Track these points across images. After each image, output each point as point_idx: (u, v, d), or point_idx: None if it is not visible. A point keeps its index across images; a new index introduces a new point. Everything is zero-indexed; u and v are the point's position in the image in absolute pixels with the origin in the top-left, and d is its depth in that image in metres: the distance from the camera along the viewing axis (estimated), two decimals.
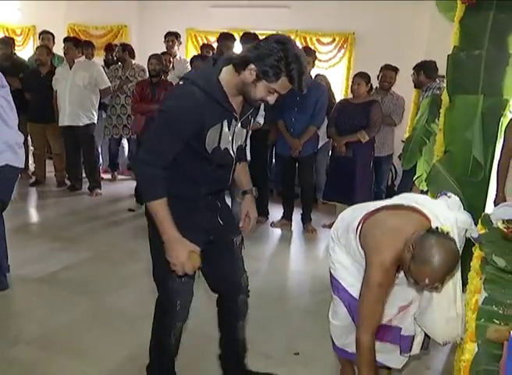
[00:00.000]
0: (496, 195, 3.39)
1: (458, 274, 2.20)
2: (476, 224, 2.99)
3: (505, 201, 3.22)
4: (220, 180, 2.19)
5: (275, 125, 5.00)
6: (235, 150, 2.13)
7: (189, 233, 2.01)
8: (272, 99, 1.93)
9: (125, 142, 6.97)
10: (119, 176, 7.03)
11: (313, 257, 4.62)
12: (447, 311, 2.18)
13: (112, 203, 5.93)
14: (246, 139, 2.20)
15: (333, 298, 2.40)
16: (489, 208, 3.50)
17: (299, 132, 4.84)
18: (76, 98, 5.83)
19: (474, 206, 3.63)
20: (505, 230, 2.53)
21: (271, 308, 2.78)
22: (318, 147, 5.23)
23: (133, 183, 5.86)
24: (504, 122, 3.65)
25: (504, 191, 3.34)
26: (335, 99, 5.93)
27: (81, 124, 5.91)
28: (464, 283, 3.21)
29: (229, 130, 2.02)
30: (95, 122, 6.09)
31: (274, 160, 6.02)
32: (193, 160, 2.04)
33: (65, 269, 3.86)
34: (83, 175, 6.33)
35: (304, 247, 4.93)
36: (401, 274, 2.03)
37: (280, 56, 1.80)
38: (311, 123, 4.84)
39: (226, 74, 1.93)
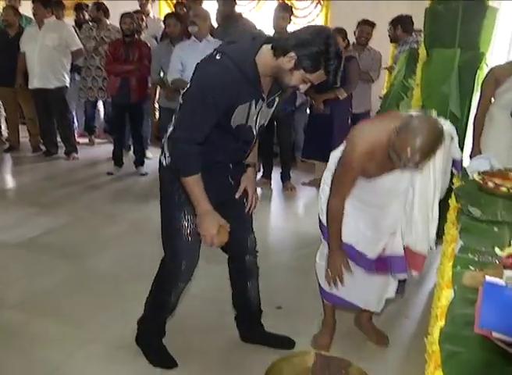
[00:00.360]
0: (472, 149, 3.44)
1: (438, 175, 2.22)
2: (452, 178, 3.04)
3: (480, 153, 3.27)
4: (238, 153, 2.22)
5: None
6: (257, 128, 2.14)
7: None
8: (304, 88, 1.96)
9: (100, 105, 6.84)
10: (96, 140, 6.92)
11: (293, 214, 4.68)
12: (426, 215, 2.26)
13: (89, 167, 5.87)
14: (269, 119, 2.21)
15: (322, 241, 2.49)
16: (465, 161, 3.55)
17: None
18: (46, 60, 5.67)
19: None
20: (480, 181, 2.58)
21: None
22: (296, 105, 5.20)
23: (111, 147, 5.80)
24: (481, 75, 3.67)
25: (479, 144, 3.38)
26: None
27: (52, 87, 5.77)
28: (441, 235, 3.30)
29: (255, 109, 2.03)
30: (67, 85, 5.94)
31: None
32: (217, 134, 2.04)
33: (44, 234, 3.84)
34: (59, 139, 6.22)
35: (284, 204, 4.97)
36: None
37: (322, 50, 1.80)
38: None
39: (264, 55, 1.91)
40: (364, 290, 2.45)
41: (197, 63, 2.00)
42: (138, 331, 2.48)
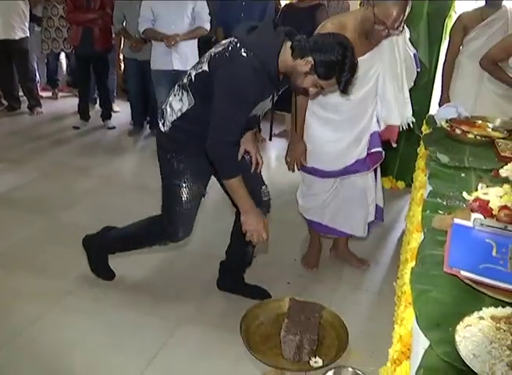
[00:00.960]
0: (441, 96, 3.48)
1: (402, 52, 2.46)
2: (421, 125, 3.09)
3: (449, 102, 3.32)
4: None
5: (220, 32, 4.82)
6: (262, 114, 2.25)
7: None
8: (313, 91, 2.02)
9: (63, 57, 6.60)
10: (60, 94, 6.71)
11: (265, 165, 4.67)
12: (398, 92, 2.49)
13: (55, 121, 5.71)
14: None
15: (301, 181, 2.74)
16: (434, 109, 3.61)
17: None
18: (6, 8, 5.37)
19: (420, 108, 3.74)
20: (448, 128, 2.63)
21: (230, 215, 2.85)
22: None
23: (75, 100, 5.66)
24: (449, 23, 3.67)
25: (448, 91, 3.42)
26: (280, 4, 5.73)
27: (17, 37, 5.49)
28: (409, 183, 3.39)
29: (269, 101, 2.12)
30: (28, 35, 5.68)
31: None
32: None
33: (13, 190, 3.78)
34: (20, 93, 6.00)
35: None
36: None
37: (339, 60, 1.87)
38: None
39: (285, 53, 1.96)
40: (349, 217, 2.73)
41: (220, 57, 1.99)
42: (91, 241, 2.62)
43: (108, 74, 5.40)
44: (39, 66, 6.62)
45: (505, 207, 1.63)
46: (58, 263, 2.84)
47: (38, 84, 6.46)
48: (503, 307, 1.20)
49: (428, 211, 1.76)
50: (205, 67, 2.03)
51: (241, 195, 2.14)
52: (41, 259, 2.87)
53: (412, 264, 1.50)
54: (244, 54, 1.94)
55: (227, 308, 2.51)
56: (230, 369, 2.14)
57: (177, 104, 2.16)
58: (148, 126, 5.37)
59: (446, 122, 2.71)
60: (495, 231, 1.48)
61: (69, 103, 6.26)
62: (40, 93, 6.32)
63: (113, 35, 5.28)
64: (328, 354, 2.20)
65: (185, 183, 2.26)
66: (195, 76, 2.08)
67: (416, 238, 1.69)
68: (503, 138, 2.55)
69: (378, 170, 2.81)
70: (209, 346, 2.26)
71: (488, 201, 1.67)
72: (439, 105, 3.38)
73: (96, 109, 5.82)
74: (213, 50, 2.07)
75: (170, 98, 2.20)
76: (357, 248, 3.04)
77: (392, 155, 3.85)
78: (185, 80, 2.14)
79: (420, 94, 3.70)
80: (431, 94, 3.90)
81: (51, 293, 2.57)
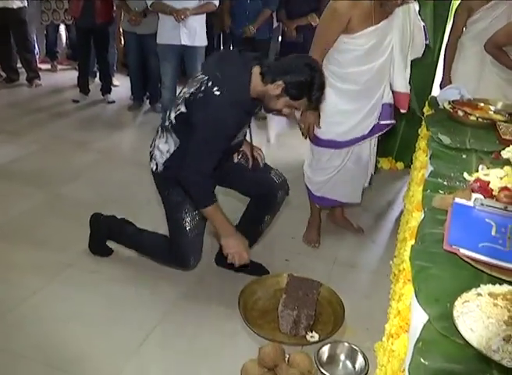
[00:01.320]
0: (443, 77, 3.46)
1: (412, 25, 2.51)
2: (423, 107, 3.09)
3: (450, 83, 3.30)
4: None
5: (226, 7, 4.77)
6: (244, 136, 2.38)
7: None
8: (287, 112, 2.11)
9: (62, 29, 6.52)
10: (59, 66, 6.63)
11: (266, 144, 4.66)
12: (404, 60, 2.56)
13: (54, 94, 5.66)
14: None
15: (310, 153, 2.79)
16: (436, 90, 3.60)
17: (254, 14, 4.63)
18: None
19: (422, 89, 3.74)
20: (450, 110, 2.63)
21: (227, 194, 2.86)
22: None
23: (75, 73, 5.61)
24: (455, 4, 3.64)
25: (450, 72, 3.39)
26: None
27: (15, 6, 5.40)
28: (408, 164, 3.40)
29: (249, 125, 2.29)
30: (26, 5, 5.59)
31: (222, 47, 5.86)
32: None
33: (12, 162, 3.77)
34: (19, 65, 5.94)
35: (256, 135, 4.94)
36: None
37: (307, 80, 1.95)
38: (266, 6, 4.62)
39: (254, 79, 2.02)
40: (352, 188, 2.88)
41: (195, 98, 2.04)
42: (102, 224, 2.65)
43: (108, 48, 5.33)
44: (38, 37, 6.54)
45: (505, 188, 1.65)
46: (58, 236, 2.85)
47: (37, 56, 6.41)
48: (501, 284, 1.23)
49: (429, 190, 1.77)
50: (182, 108, 2.12)
51: (219, 221, 2.21)
52: (41, 232, 2.88)
53: (412, 242, 1.52)
54: (217, 92, 1.98)
55: (225, 284, 2.53)
56: (228, 342, 2.17)
57: (164, 146, 2.25)
58: (148, 101, 5.33)
59: (449, 103, 2.71)
60: (495, 211, 1.50)
61: (68, 76, 6.20)
62: (39, 65, 6.25)
63: (114, 8, 5.21)
64: (324, 329, 2.25)
65: (186, 213, 2.34)
66: (175, 118, 2.17)
67: (415, 217, 1.71)
68: (504, 121, 2.56)
69: (375, 145, 2.88)
70: (207, 321, 2.29)
71: (488, 182, 1.69)
72: (441, 87, 3.37)
73: (96, 83, 5.76)
74: (186, 90, 2.13)
75: (156, 142, 2.29)
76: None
77: (392, 136, 3.86)
78: (166, 123, 2.23)
79: (422, 76, 3.69)
80: (433, 76, 3.89)
81: (50, 266, 2.58)
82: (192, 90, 2.07)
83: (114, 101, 5.39)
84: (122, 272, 2.59)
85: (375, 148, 2.89)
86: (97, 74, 5.77)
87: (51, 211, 3.12)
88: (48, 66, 6.53)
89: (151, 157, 2.33)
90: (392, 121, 2.69)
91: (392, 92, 2.64)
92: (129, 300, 2.39)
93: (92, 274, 2.55)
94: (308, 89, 1.98)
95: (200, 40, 4.33)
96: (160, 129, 2.29)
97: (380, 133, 2.73)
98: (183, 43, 4.26)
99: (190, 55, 4.36)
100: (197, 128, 2.05)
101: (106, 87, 5.46)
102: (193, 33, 4.26)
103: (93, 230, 2.68)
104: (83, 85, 5.42)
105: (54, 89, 5.82)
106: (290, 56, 2.06)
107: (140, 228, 2.62)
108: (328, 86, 2.51)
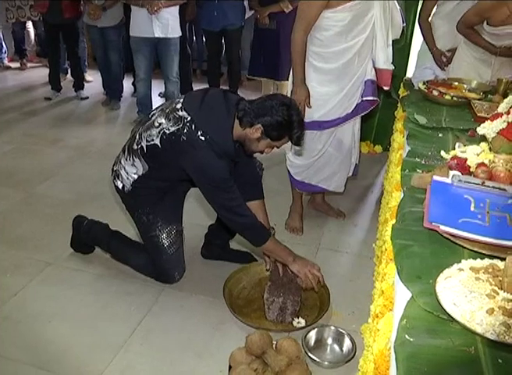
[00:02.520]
0: (432, 52, 3.35)
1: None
2: (398, 89, 3.10)
3: (444, 54, 3.25)
4: None
5: None
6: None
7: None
8: (269, 151, 2.10)
9: (30, 26, 6.37)
10: (29, 64, 6.50)
11: None
12: (386, 37, 2.54)
13: (25, 93, 5.55)
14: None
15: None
16: (410, 73, 3.61)
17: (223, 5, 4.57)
18: None
19: (397, 72, 3.73)
20: (425, 90, 2.65)
21: None
22: None
23: (45, 71, 5.50)
24: None
25: (435, 45, 3.32)
26: None
27: None
28: (386, 147, 3.41)
29: None
30: None
31: (195, 37, 5.78)
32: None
33: None
34: None
35: None
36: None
37: (285, 120, 1.93)
38: None
39: (236, 125, 2.00)
40: (334, 175, 2.88)
41: (177, 139, 1.99)
42: (85, 227, 2.58)
43: (78, 43, 5.24)
44: (5, 36, 6.40)
45: (482, 164, 1.66)
46: (37, 235, 2.80)
47: (5, 55, 6.27)
48: (482, 259, 1.24)
49: (407, 170, 1.78)
50: (157, 141, 2.06)
51: (280, 253, 2.20)
52: (19, 232, 2.82)
53: (392, 222, 1.52)
54: (202, 137, 1.96)
55: (211, 274, 2.52)
56: (215, 332, 2.16)
57: (131, 168, 2.20)
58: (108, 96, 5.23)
59: (424, 84, 2.73)
60: (473, 187, 1.51)
61: (39, 74, 6.08)
62: (8, 64, 6.13)
63: (82, 2, 5.11)
64: (310, 314, 2.25)
65: (160, 231, 2.31)
66: (146, 147, 2.11)
67: (395, 197, 1.71)
68: (478, 99, 2.58)
69: (359, 131, 2.87)
70: (193, 311, 2.28)
71: (465, 159, 1.70)
72: (435, 60, 3.31)
73: (68, 79, 5.67)
74: (164, 124, 2.05)
75: (122, 162, 2.24)
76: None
77: (370, 120, 3.86)
78: (135, 147, 2.16)
79: (396, 59, 3.68)
80: (407, 59, 3.89)
81: (31, 265, 2.54)
82: (173, 129, 2.01)
83: (87, 97, 5.32)
84: (105, 267, 2.55)
85: (359, 133, 2.88)
86: (69, 70, 5.67)
87: (27, 210, 3.07)
88: (18, 65, 6.39)
89: (116, 175, 2.28)
90: (375, 98, 2.67)
91: (375, 70, 2.62)
92: (113, 295, 2.36)
93: (74, 272, 2.51)
94: (288, 128, 1.96)
95: (174, 31, 4.28)
96: (127, 149, 2.22)
97: (363, 113, 2.71)
98: (157, 35, 4.20)
99: (164, 47, 4.31)
100: (198, 182, 2.07)
101: (79, 83, 5.37)
102: (167, 25, 4.20)
103: (75, 231, 2.62)
104: (54, 82, 5.32)
105: (25, 87, 5.71)
106: (265, 97, 2.02)
107: (125, 240, 2.54)
108: (309, 67, 2.54)
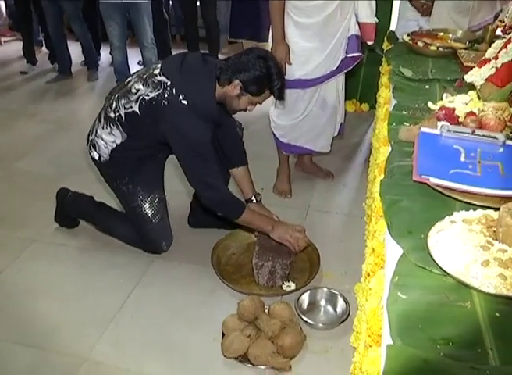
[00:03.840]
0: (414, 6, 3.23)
1: None
2: (382, 43, 3.00)
3: (425, 3, 3.11)
4: None
5: None
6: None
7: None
8: (252, 109, 2.02)
9: None
10: (3, 39, 6.27)
11: None
12: None
13: (0, 67, 5.37)
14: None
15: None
16: (394, 26, 3.50)
17: None
18: None
19: (380, 26, 3.63)
20: (410, 42, 2.56)
21: None
22: None
23: (20, 44, 5.30)
24: None
25: None
26: None
27: None
28: (373, 105, 3.33)
29: None
30: None
31: (171, 2, 5.59)
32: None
33: None
34: None
35: None
36: None
37: (264, 72, 1.88)
38: None
39: (217, 88, 1.94)
40: (319, 135, 2.82)
41: (158, 104, 1.92)
42: (68, 200, 2.52)
43: None
44: None
45: (471, 113, 1.60)
46: (18, 212, 2.72)
47: None
48: (474, 210, 1.19)
49: (394, 124, 1.71)
50: (135, 108, 2.00)
51: (257, 222, 2.14)
52: (2, 210, 2.74)
53: (381, 178, 1.47)
54: (184, 101, 1.90)
55: (199, 242, 2.47)
56: (206, 299, 2.12)
57: (108, 137, 2.13)
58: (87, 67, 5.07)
59: (408, 36, 2.64)
60: (462, 137, 1.45)
61: (13, 48, 5.87)
62: None
63: None
64: (301, 277, 2.22)
65: (142, 200, 2.26)
66: (125, 115, 2.04)
67: (383, 153, 1.65)
68: (465, 49, 2.50)
69: (343, 89, 2.79)
70: (183, 280, 2.24)
71: (454, 109, 1.63)
72: (423, 14, 3.18)
73: (43, 52, 5.49)
74: (142, 90, 1.97)
75: (98, 131, 2.16)
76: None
77: (355, 77, 3.78)
78: (112, 115, 2.09)
79: (380, 13, 3.56)
80: (390, 12, 3.78)
81: (14, 243, 2.47)
82: (152, 94, 1.93)
83: None
84: (91, 240, 2.50)
85: (343, 92, 2.80)
86: (44, 42, 5.48)
87: (7, 187, 2.98)
88: None
89: (92, 145, 2.20)
90: (360, 54, 2.59)
91: (358, 24, 2.54)
92: (101, 268, 2.31)
93: (60, 246, 2.46)
94: (267, 81, 1.90)
95: None
96: (103, 118, 2.13)
97: (347, 69, 2.62)
98: (125, 0, 4.04)
99: (135, 13, 4.14)
100: (177, 148, 1.99)
101: (54, 56, 5.18)
102: None
103: (59, 204, 2.55)
104: (29, 55, 5.15)
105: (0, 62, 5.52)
106: (240, 53, 1.96)
107: (110, 211, 2.48)
108: (290, 23, 2.45)
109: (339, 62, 2.56)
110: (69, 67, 5.02)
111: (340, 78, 2.70)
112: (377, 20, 2.54)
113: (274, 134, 2.82)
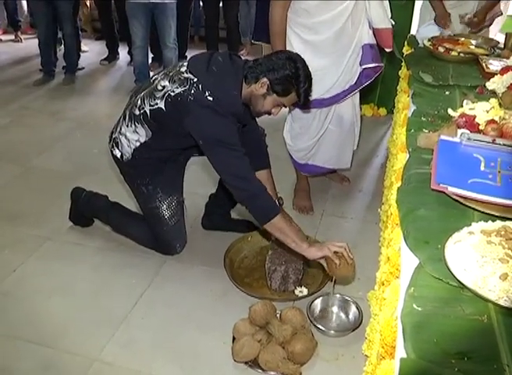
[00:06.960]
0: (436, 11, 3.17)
1: None
2: (402, 48, 2.97)
3: (446, 13, 3.07)
4: None
5: None
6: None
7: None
8: (276, 112, 1.98)
9: None
10: (23, 36, 6.34)
11: None
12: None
13: (21, 65, 5.41)
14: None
15: (293, 115, 2.57)
16: (414, 30, 3.47)
17: None
18: None
19: (400, 30, 3.59)
20: (431, 47, 2.53)
21: None
22: None
23: None
24: None
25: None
26: None
27: None
28: (391, 110, 3.30)
29: None
30: None
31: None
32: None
33: None
34: None
35: None
36: None
37: (292, 73, 1.86)
38: None
39: (244, 87, 1.92)
40: (338, 152, 2.71)
41: (184, 100, 1.89)
42: (83, 199, 2.53)
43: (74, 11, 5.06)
44: None
45: (492, 121, 1.57)
46: (35, 210, 2.74)
47: None
48: (493, 221, 1.16)
49: (413, 130, 1.69)
50: (161, 105, 1.98)
51: (290, 234, 1.89)
52: (17, 207, 2.76)
53: (398, 185, 1.44)
54: (210, 98, 1.86)
55: (212, 244, 2.46)
56: (217, 303, 2.11)
57: (132, 135, 2.11)
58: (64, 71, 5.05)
59: (429, 40, 2.61)
60: (482, 145, 1.43)
61: (34, 45, 5.88)
62: (1, 36, 5.98)
63: None
64: (314, 283, 2.20)
65: (160, 202, 2.25)
66: (150, 112, 2.02)
67: (400, 159, 1.62)
68: (486, 55, 2.46)
69: (359, 102, 2.70)
70: (195, 282, 2.23)
71: (474, 117, 1.61)
72: (440, 24, 3.12)
73: (63, 50, 5.52)
74: (169, 87, 1.95)
75: (122, 129, 2.14)
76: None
77: (373, 82, 3.73)
78: (137, 112, 2.07)
79: (399, 16, 3.53)
80: (411, 16, 3.74)
81: (29, 240, 2.48)
82: (178, 90, 1.91)
83: (83, 68, 5.18)
84: (105, 241, 2.50)
85: (359, 107, 2.69)
86: (62, 41, 5.52)
87: (25, 185, 3.00)
88: (11, 37, 6.24)
89: (115, 143, 2.19)
90: (379, 64, 2.44)
91: (373, 31, 2.38)
92: (113, 268, 2.31)
93: (74, 246, 2.47)
94: (295, 82, 1.87)
95: None
96: (128, 115, 2.11)
97: (368, 82, 2.46)
98: (153, 0, 4.06)
99: (161, 12, 4.16)
100: (205, 146, 1.92)
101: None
102: None
103: (74, 203, 2.56)
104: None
105: (20, 59, 5.57)
106: (270, 53, 1.96)
107: (124, 212, 2.48)
108: (298, 41, 2.32)
109: (358, 75, 2.43)
110: (54, 70, 4.97)
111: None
112: (393, 23, 2.38)
113: (291, 156, 2.73)
